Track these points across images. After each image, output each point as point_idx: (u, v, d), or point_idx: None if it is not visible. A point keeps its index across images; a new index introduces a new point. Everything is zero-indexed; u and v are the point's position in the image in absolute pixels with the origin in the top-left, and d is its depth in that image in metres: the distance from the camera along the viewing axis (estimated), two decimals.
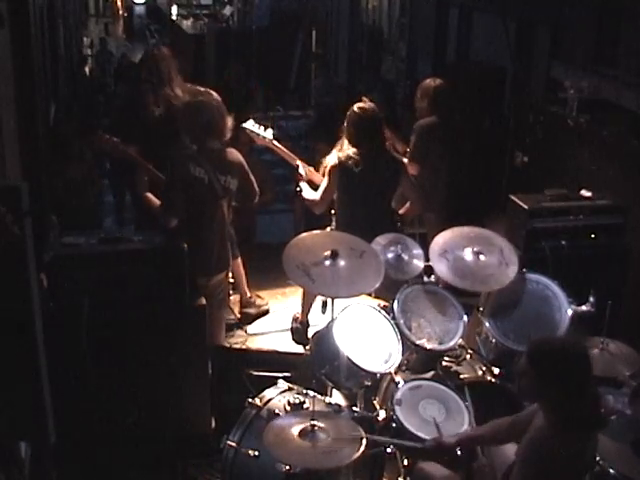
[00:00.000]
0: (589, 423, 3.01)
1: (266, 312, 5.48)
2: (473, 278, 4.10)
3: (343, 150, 4.89)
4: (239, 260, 5.35)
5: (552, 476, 3.00)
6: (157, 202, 4.69)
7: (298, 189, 5.16)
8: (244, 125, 5.19)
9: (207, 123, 4.51)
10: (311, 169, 5.26)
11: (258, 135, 5.22)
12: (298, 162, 5.26)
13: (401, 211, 5.19)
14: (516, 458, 3.17)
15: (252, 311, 5.42)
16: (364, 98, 5.44)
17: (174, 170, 4.57)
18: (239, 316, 5.38)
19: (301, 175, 5.20)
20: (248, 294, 5.43)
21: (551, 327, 4.11)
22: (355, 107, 4.92)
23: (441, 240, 4.31)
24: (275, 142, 5.25)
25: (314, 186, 5.14)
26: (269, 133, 5.24)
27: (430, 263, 4.28)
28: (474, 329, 4.29)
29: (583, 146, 5.94)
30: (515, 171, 6.89)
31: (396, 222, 5.09)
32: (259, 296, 5.51)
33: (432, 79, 5.87)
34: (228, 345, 5.05)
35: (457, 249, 4.23)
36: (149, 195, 4.63)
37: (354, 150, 4.84)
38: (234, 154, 4.69)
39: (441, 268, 4.16)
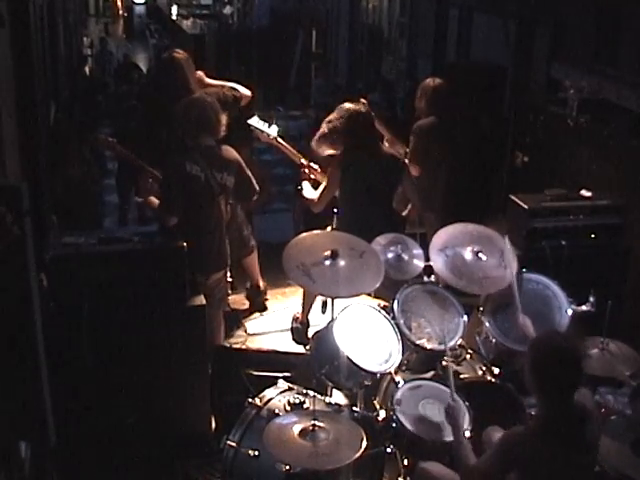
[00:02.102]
0: (561, 429, 2.96)
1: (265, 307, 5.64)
2: (469, 279, 4.10)
3: (343, 151, 4.88)
4: (255, 253, 5.52)
5: (525, 475, 3.00)
6: (157, 202, 4.69)
7: (299, 188, 5.15)
8: (249, 121, 5.17)
9: (199, 119, 4.52)
10: (315, 167, 5.25)
11: (262, 132, 5.20)
12: (303, 160, 5.26)
13: (404, 213, 5.19)
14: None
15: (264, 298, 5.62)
16: (362, 100, 5.44)
17: (170, 168, 4.58)
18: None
19: (305, 174, 5.19)
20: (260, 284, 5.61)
21: (551, 327, 4.11)
22: (345, 109, 4.90)
23: (443, 235, 4.30)
24: (279, 139, 5.24)
25: (317, 185, 5.14)
26: (274, 130, 5.21)
27: (430, 262, 4.28)
28: (474, 329, 4.28)
29: (583, 146, 5.94)
30: (515, 171, 6.89)
31: (398, 222, 5.08)
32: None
33: (432, 79, 5.86)
34: (228, 345, 5.05)
35: (458, 246, 4.23)
36: (151, 198, 4.63)
37: (354, 150, 4.84)
38: (230, 151, 4.69)
39: (439, 265, 4.16)
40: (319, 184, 5.11)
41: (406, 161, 5.36)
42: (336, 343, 3.80)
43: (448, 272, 4.13)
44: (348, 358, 3.77)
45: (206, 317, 4.40)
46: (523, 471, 2.99)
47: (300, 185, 5.15)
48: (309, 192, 5.09)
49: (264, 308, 5.60)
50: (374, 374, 3.88)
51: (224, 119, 4.64)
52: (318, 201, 4.97)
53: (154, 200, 4.62)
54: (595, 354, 3.91)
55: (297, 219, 7.05)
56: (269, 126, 5.21)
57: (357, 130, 4.85)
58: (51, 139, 7.01)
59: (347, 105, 4.94)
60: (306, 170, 5.19)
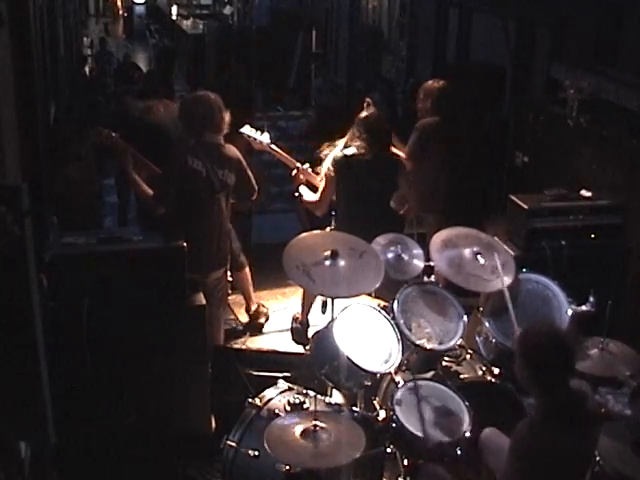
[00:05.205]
0: (563, 416, 3.03)
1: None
2: (464, 274, 4.11)
3: (341, 150, 4.90)
4: (246, 270, 5.35)
5: (534, 466, 3.02)
6: (146, 188, 4.66)
7: (297, 194, 5.17)
8: (241, 130, 5.20)
9: (204, 116, 4.55)
10: (309, 171, 5.26)
11: (255, 139, 5.23)
12: (298, 165, 5.27)
13: (401, 212, 5.19)
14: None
15: (263, 320, 5.44)
16: (367, 99, 5.44)
17: (172, 161, 4.58)
18: (246, 321, 5.44)
19: (300, 179, 5.20)
20: (254, 306, 5.44)
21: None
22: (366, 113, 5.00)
23: (447, 233, 4.32)
24: (273, 146, 5.26)
25: (314, 188, 5.14)
26: (266, 137, 5.26)
27: (430, 262, 4.29)
28: (474, 329, 4.29)
29: (583, 146, 5.94)
30: (515, 171, 6.88)
31: (397, 222, 5.08)
32: (262, 305, 5.52)
33: (435, 80, 5.88)
34: (228, 345, 5.05)
35: (459, 245, 4.23)
36: (136, 177, 4.62)
37: (353, 150, 4.85)
38: (232, 150, 4.71)
39: (438, 258, 4.17)
40: (316, 187, 5.12)
41: (401, 154, 5.35)
42: (336, 343, 3.80)
43: (446, 267, 4.13)
44: (348, 358, 3.77)
45: (206, 317, 4.40)
46: (528, 466, 3.01)
47: (298, 191, 5.17)
48: (309, 195, 5.10)
49: (259, 329, 5.41)
50: (374, 374, 3.88)
51: (227, 117, 4.66)
52: (319, 203, 4.98)
53: (141, 183, 4.62)
54: (595, 354, 3.91)
55: (303, 220, 7.03)
56: (261, 134, 5.24)
57: (369, 132, 4.90)
58: (51, 139, 7.00)
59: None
60: (301, 176, 5.20)
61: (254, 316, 5.41)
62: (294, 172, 5.22)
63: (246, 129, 5.24)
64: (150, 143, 5.09)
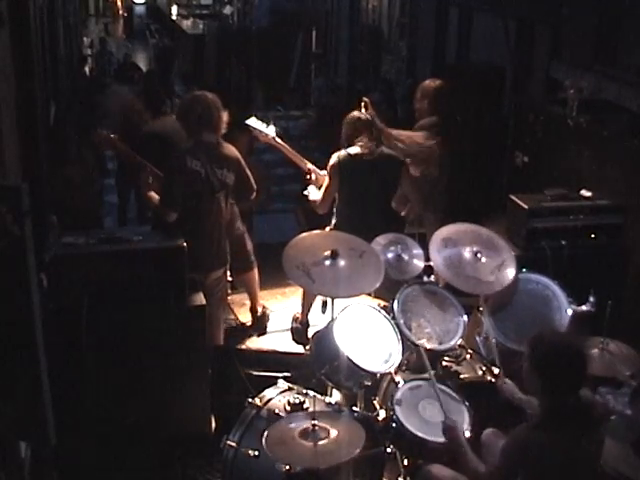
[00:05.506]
0: (571, 422, 3.01)
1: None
2: (460, 274, 4.10)
3: (344, 149, 4.91)
4: (255, 270, 5.29)
5: (536, 470, 3.00)
6: (157, 199, 4.68)
7: (306, 192, 5.16)
8: (247, 122, 5.18)
9: (202, 116, 4.55)
10: (315, 169, 5.25)
11: (261, 132, 5.21)
12: (306, 161, 5.26)
13: (403, 213, 5.19)
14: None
15: (267, 322, 5.40)
16: (364, 99, 5.44)
17: (172, 163, 4.59)
18: (247, 321, 5.40)
19: (311, 178, 5.19)
20: (260, 310, 5.40)
21: (551, 327, 4.11)
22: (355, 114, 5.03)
23: (448, 230, 4.31)
24: (278, 139, 5.24)
25: (319, 186, 5.14)
26: (272, 130, 5.22)
27: (430, 261, 4.28)
28: (474, 329, 4.28)
29: (583, 146, 5.94)
30: (515, 171, 6.89)
31: (397, 222, 5.08)
32: (264, 306, 5.51)
33: (432, 80, 5.86)
34: (228, 345, 5.05)
35: (459, 243, 4.22)
36: (152, 194, 4.63)
37: (357, 149, 4.86)
38: (230, 149, 4.71)
39: (437, 258, 4.16)
40: (320, 184, 5.13)
41: (407, 160, 5.35)
42: (336, 343, 3.80)
43: (445, 269, 4.13)
44: (348, 358, 3.77)
45: (206, 317, 4.40)
46: (529, 471, 3.00)
47: (307, 189, 5.16)
48: (315, 194, 5.10)
49: (263, 331, 5.35)
50: (374, 374, 3.88)
51: (225, 116, 4.66)
52: (322, 202, 4.99)
53: (154, 196, 4.63)
54: (595, 354, 3.91)
55: (301, 220, 7.03)
56: (267, 126, 5.22)
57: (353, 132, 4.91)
58: (51, 139, 7.00)
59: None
60: (313, 175, 5.19)
61: (260, 319, 5.39)
62: (307, 172, 5.21)
63: (251, 121, 5.22)
64: (157, 153, 5.06)
